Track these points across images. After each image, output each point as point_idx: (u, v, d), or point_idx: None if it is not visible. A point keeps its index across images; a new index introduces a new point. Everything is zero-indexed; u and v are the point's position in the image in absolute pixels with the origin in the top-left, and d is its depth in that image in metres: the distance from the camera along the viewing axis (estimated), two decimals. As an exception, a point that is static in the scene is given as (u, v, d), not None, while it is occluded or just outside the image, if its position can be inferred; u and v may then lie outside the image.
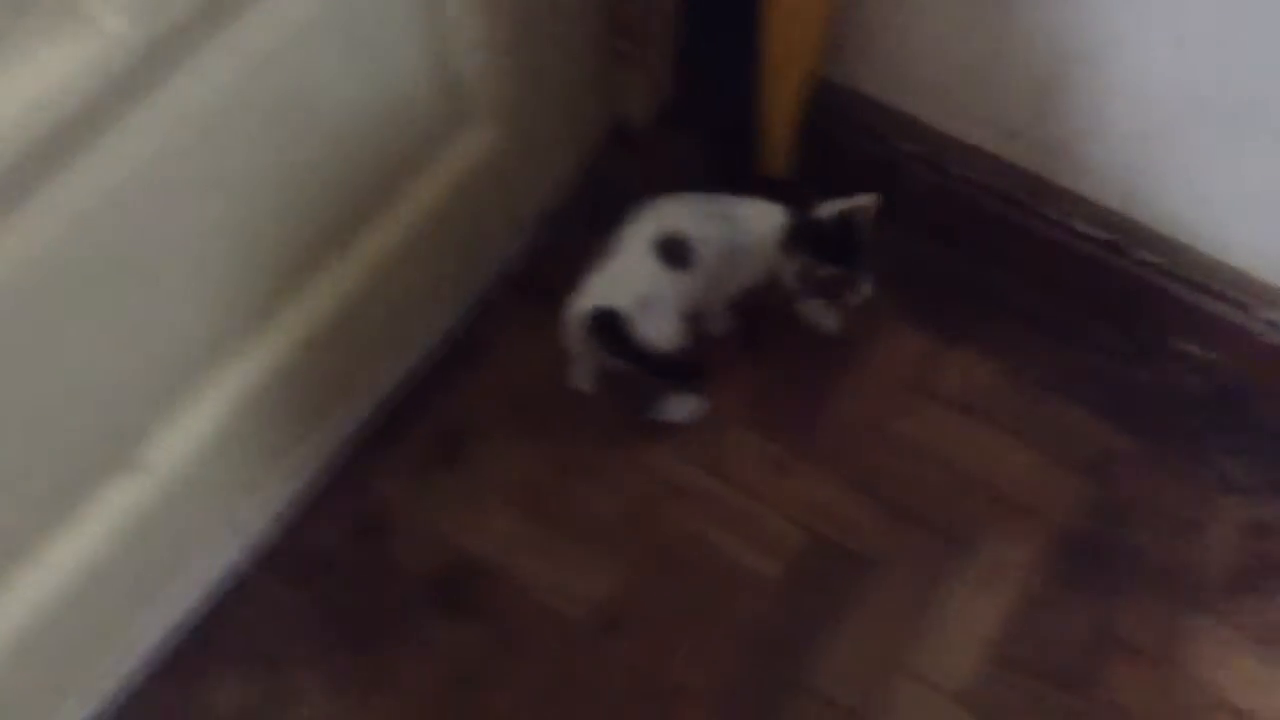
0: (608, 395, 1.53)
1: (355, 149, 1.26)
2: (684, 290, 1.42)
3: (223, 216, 1.15)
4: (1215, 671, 1.34)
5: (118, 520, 1.23)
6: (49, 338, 1.05)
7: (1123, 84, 1.32)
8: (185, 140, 1.05)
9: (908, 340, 1.56)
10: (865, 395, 1.52)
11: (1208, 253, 1.42)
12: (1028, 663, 1.36)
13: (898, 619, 1.39)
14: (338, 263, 1.33)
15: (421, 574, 1.44)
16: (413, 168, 1.37)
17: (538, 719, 1.35)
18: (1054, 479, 1.46)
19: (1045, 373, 1.53)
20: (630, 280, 1.40)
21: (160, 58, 0.99)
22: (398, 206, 1.37)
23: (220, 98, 1.06)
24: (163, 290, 1.13)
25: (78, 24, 0.92)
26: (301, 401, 1.41)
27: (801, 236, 1.43)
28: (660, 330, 1.41)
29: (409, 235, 1.38)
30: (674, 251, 1.40)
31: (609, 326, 1.39)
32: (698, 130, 1.69)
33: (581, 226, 1.65)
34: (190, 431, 1.27)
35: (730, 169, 1.64)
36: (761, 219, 1.46)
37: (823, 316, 1.54)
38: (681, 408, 1.50)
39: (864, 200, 1.40)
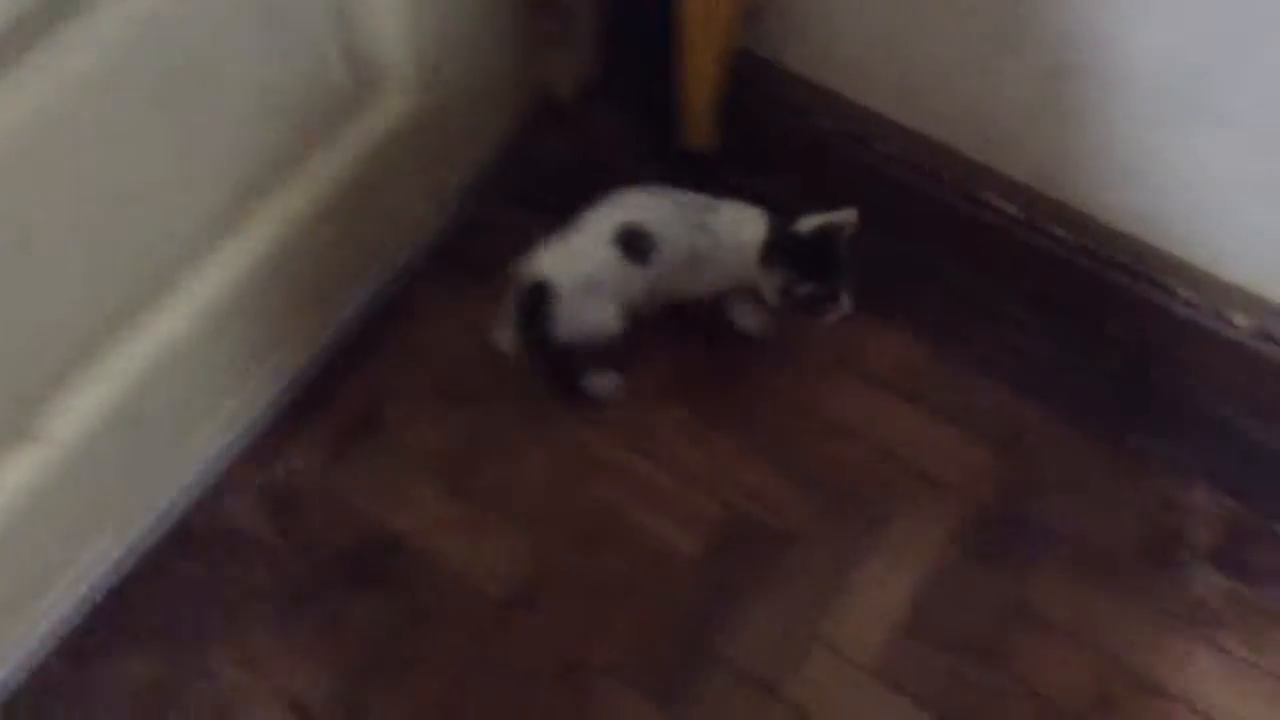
0: (529, 370, 1.52)
1: (259, 114, 1.25)
2: (634, 282, 1.41)
3: (118, 182, 1.12)
4: (1124, 644, 1.36)
5: (15, 494, 1.20)
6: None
7: (1039, 58, 1.33)
8: (70, 102, 1.03)
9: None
10: (787, 372, 1.52)
11: (1124, 230, 1.43)
12: (940, 635, 1.36)
13: (814, 593, 1.39)
14: (246, 230, 1.31)
15: (336, 548, 1.42)
16: (324, 134, 1.35)
17: (453, 694, 1.34)
18: (971, 455, 1.47)
19: (966, 349, 1.53)
20: (581, 260, 1.39)
21: (45, 17, 0.96)
22: (309, 173, 1.35)
23: (108, 58, 1.03)
24: (56, 257, 1.11)
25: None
26: (212, 372, 1.39)
27: (780, 251, 1.40)
28: (597, 315, 1.40)
29: (321, 203, 1.37)
30: (633, 243, 1.39)
31: (535, 302, 1.38)
32: (624, 104, 1.68)
33: (508, 199, 1.65)
34: (93, 401, 1.24)
35: (655, 143, 1.64)
36: (739, 227, 1.42)
37: (748, 319, 1.53)
38: (602, 385, 1.50)
39: (844, 215, 1.37)
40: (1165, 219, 1.40)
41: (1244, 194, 1.31)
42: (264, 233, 1.34)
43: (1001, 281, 1.54)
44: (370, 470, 1.47)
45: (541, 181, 1.65)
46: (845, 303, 1.40)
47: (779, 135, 1.58)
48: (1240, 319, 1.41)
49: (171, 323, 1.29)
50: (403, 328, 1.55)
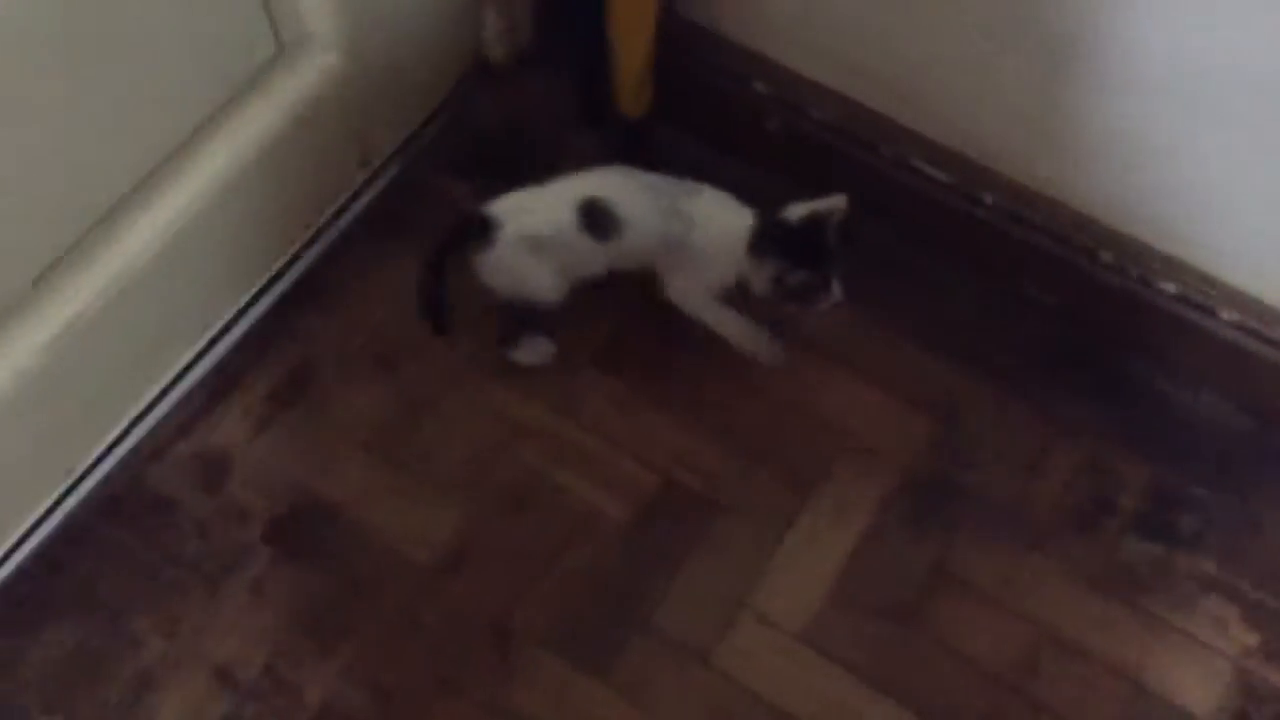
0: (458, 336, 1.51)
1: (175, 71, 1.22)
2: (586, 256, 1.39)
3: (24, 143, 1.10)
4: (1048, 608, 1.37)
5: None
6: None
7: (973, 23, 1.32)
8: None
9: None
10: (717, 338, 1.51)
11: (1055, 197, 1.44)
12: (868, 601, 1.37)
13: (743, 560, 1.39)
14: (166, 192, 1.29)
15: (264, 517, 1.41)
16: (247, 93, 1.33)
17: (382, 663, 1.34)
18: (901, 421, 1.47)
19: (899, 317, 1.53)
20: (535, 216, 1.38)
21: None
22: (232, 133, 1.33)
23: (12, 5, 1.01)
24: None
25: None
26: (135, 339, 1.38)
27: (770, 240, 1.36)
28: (535, 277, 1.40)
29: (244, 164, 1.35)
30: (595, 218, 1.37)
31: (469, 230, 1.37)
32: (558, 69, 1.66)
33: (441, 164, 1.63)
34: (13, 367, 1.23)
35: (590, 108, 1.63)
36: (720, 214, 1.39)
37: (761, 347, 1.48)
38: (532, 351, 1.49)
39: (834, 201, 1.35)
40: (1092, 185, 1.40)
41: (1165, 158, 1.31)
42: (185, 194, 1.32)
43: (934, 249, 1.54)
44: (299, 437, 1.46)
45: (474, 146, 1.63)
46: (836, 290, 1.38)
47: (714, 101, 1.57)
48: (1167, 286, 1.41)
49: (91, 288, 1.27)
50: (331, 293, 1.54)
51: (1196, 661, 1.35)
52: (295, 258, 1.53)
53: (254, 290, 1.50)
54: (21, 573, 1.38)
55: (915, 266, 1.55)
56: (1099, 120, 1.33)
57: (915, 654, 1.35)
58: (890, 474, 1.44)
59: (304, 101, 1.38)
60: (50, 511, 1.39)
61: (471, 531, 1.41)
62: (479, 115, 1.67)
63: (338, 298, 1.54)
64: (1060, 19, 1.26)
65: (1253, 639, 1.36)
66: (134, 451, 1.44)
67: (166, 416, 1.46)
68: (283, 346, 1.50)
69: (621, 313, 1.52)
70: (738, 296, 1.44)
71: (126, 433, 1.43)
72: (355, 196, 1.58)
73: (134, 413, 1.43)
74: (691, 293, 1.44)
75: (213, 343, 1.48)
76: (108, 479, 1.42)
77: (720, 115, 1.58)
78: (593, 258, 1.40)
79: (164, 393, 1.45)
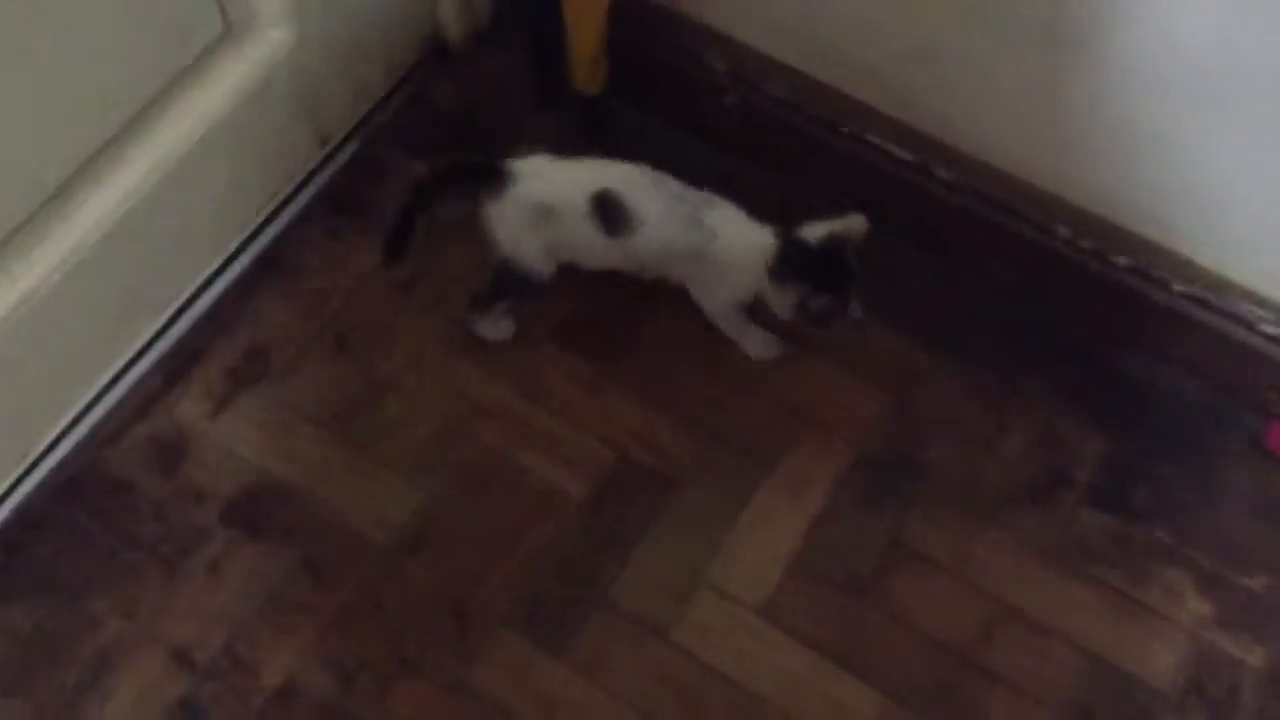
0: (416, 316, 1.51)
1: (117, 48, 1.21)
2: (586, 243, 1.39)
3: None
4: (1002, 580, 1.38)
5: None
6: None
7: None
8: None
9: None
10: (677, 317, 1.51)
11: (1012, 173, 1.44)
12: (825, 574, 1.38)
13: (701, 536, 1.40)
14: (118, 172, 1.28)
15: (222, 498, 1.41)
16: (195, 70, 1.31)
17: (341, 643, 1.34)
18: (858, 397, 1.48)
19: (857, 294, 1.53)
20: (551, 188, 1.37)
21: None
22: (179, 112, 1.32)
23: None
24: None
25: None
26: (90, 321, 1.37)
27: (791, 263, 1.36)
28: (530, 248, 1.40)
29: (194, 142, 1.34)
30: (604, 212, 1.37)
31: (479, 173, 1.38)
32: (515, 48, 1.66)
33: (397, 143, 1.63)
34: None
35: (546, 87, 1.62)
36: (742, 233, 1.38)
37: (760, 348, 1.49)
38: (494, 326, 1.49)
39: (852, 221, 1.35)
40: (1047, 160, 1.41)
41: (1120, 132, 1.32)
42: (136, 173, 1.30)
43: (891, 225, 1.54)
44: (257, 418, 1.45)
45: (430, 125, 1.63)
46: (855, 309, 1.39)
47: (670, 78, 1.57)
48: (1121, 259, 1.42)
49: (44, 267, 1.26)
50: (288, 273, 1.53)
51: (1151, 632, 1.36)
52: (252, 237, 1.53)
53: (211, 270, 1.50)
54: (-24, 555, 1.37)
55: (875, 243, 1.55)
56: (1054, 95, 1.33)
57: (872, 627, 1.36)
58: (847, 450, 1.45)
59: (253, 80, 1.37)
60: (7, 495, 1.38)
61: (432, 511, 1.41)
62: (436, 95, 1.66)
63: (296, 277, 1.53)
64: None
65: (1207, 609, 1.37)
66: (91, 434, 1.43)
67: (123, 398, 1.45)
68: (240, 327, 1.50)
69: (583, 291, 1.51)
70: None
71: (83, 415, 1.43)
72: (312, 176, 1.57)
73: (90, 395, 1.43)
74: (711, 303, 1.46)
75: (169, 323, 1.48)
76: (65, 462, 1.42)
77: (677, 92, 1.58)
78: (595, 248, 1.40)
79: (120, 374, 1.45)
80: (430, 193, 1.42)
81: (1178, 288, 1.41)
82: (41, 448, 1.40)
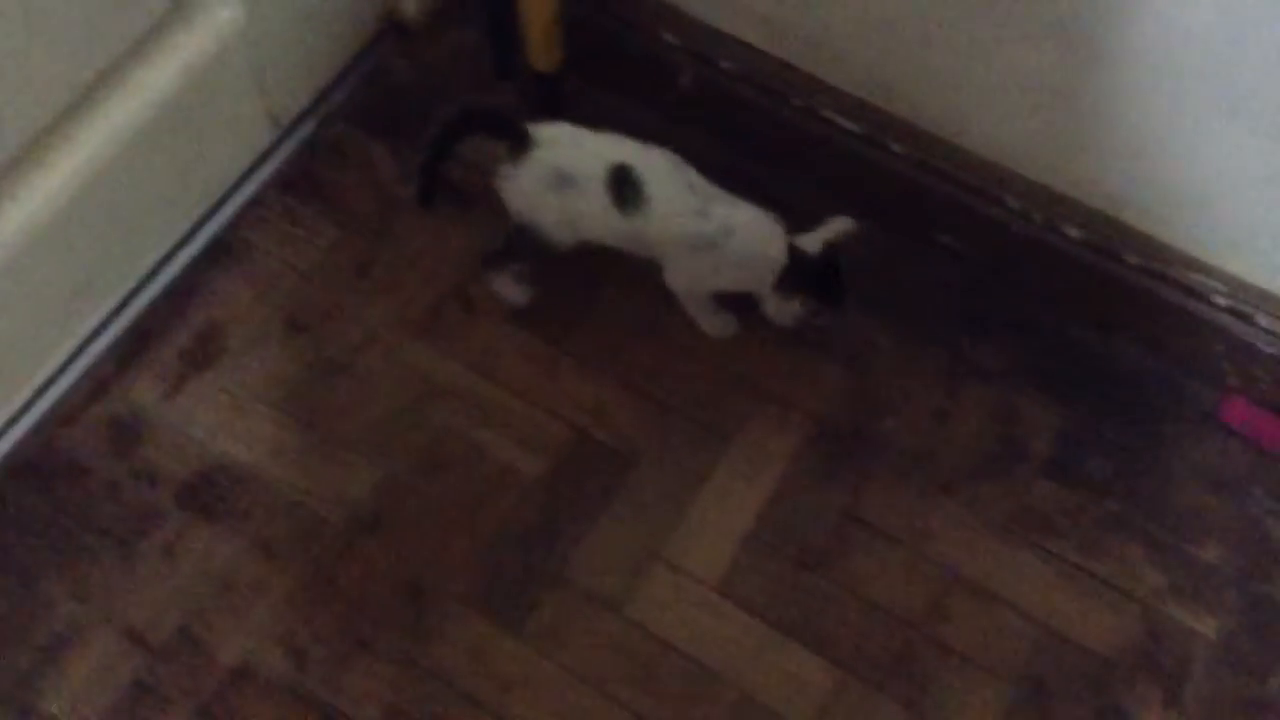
0: (371, 297, 1.51)
1: (60, 25, 1.20)
2: (598, 217, 1.38)
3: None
4: (960, 553, 1.38)
5: None
6: None
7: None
8: None
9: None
10: (632, 293, 1.51)
11: (960, 144, 1.44)
12: (780, 549, 1.38)
13: (658, 512, 1.40)
14: (62, 152, 1.27)
15: (176, 479, 1.41)
16: (143, 47, 1.30)
17: (296, 623, 1.34)
18: (813, 371, 1.48)
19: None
20: (572, 156, 1.37)
21: None
22: (126, 92, 1.31)
23: None
24: None
25: None
26: (41, 302, 1.36)
27: (795, 276, 1.38)
28: (548, 215, 1.39)
29: (142, 123, 1.33)
30: (619, 187, 1.36)
31: (505, 131, 1.38)
32: (471, 25, 1.65)
33: (352, 122, 1.62)
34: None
35: (503, 64, 1.62)
36: (762, 237, 1.38)
37: (786, 318, 1.47)
38: (511, 289, 1.49)
39: (840, 224, 1.38)
40: (998, 132, 1.41)
41: (1068, 101, 1.32)
42: (83, 154, 1.30)
43: (842, 198, 1.54)
44: (211, 400, 1.45)
45: (386, 104, 1.62)
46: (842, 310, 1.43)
47: (625, 54, 1.56)
48: (1072, 230, 1.42)
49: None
50: (243, 253, 1.53)
51: (1104, 603, 1.37)
52: (206, 218, 1.52)
53: (164, 252, 1.49)
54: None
55: (825, 215, 1.55)
56: (1001, 66, 1.34)
57: (827, 600, 1.36)
58: (803, 424, 1.45)
59: (203, 58, 1.36)
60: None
61: (388, 491, 1.41)
62: (393, 73, 1.65)
63: (250, 259, 1.53)
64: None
65: (1160, 579, 1.38)
66: (45, 416, 1.43)
67: (77, 381, 1.45)
68: (195, 309, 1.49)
69: (534, 269, 1.51)
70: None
71: (37, 398, 1.42)
72: (266, 156, 1.56)
73: (44, 377, 1.42)
74: (692, 286, 1.45)
75: (123, 305, 1.47)
76: (19, 444, 1.41)
77: (632, 68, 1.57)
78: (603, 223, 1.38)
79: (74, 357, 1.44)
80: (451, 139, 1.43)
81: (1131, 260, 1.41)
82: (6, 433, 1.39)
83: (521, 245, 1.44)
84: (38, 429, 1.42)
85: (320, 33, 1.56)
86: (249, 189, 1.55)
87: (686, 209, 1.37)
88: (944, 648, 1.34)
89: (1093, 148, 1.35)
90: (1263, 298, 1.38)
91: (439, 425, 1.44)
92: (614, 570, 1.37)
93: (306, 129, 1.59)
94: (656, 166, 1.37)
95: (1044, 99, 1.33)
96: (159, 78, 1.34)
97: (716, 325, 1.49)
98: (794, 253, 1.38)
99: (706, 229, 1.38)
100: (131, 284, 1.47)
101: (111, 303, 1.46)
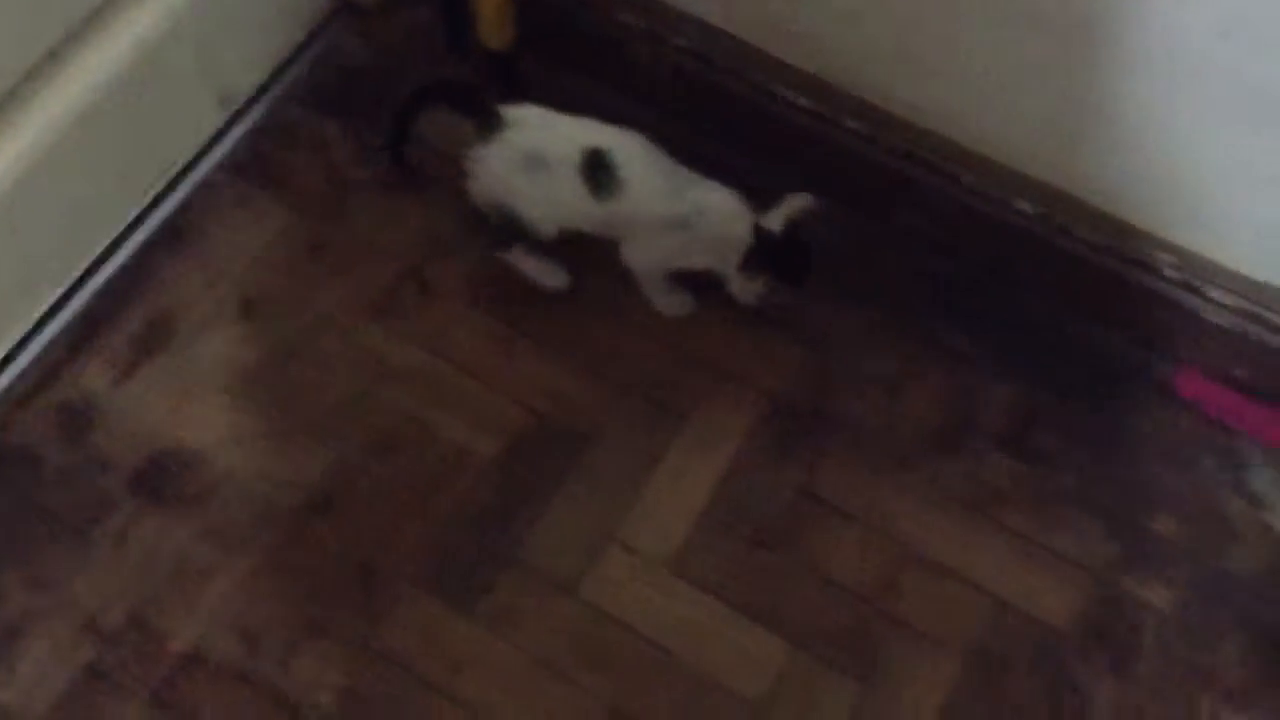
0: (325, 279, 1.50)
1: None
2: (570, 202, 1.37)
3: None
4: (914, 528, 1.38)
5: None
6: None
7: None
8: None
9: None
10: (591, 273, 1.50)
11: (918, 124, 1.44)
12: (736, 527, 1.38)
13: (613, 492, 1.40)
14: (3, 135, 1.26)
15: (128, 466, 1.40)
16: (82, 29, 1.29)
17: (248, 606, 1.34)
18: (769, 349, 1.48)
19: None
20: (543, 138, 1.36)
21: None
22: (70, 73, 1.29)
23: None
24: None
25: None
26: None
27: (759, 256, 1.37)
28: (521, 200, 1.38)
29: (86, 105, 1.31)
30: (592, 170, 1.35)
31: (477, 109, 1.37)
32: (425, 4, 1.64)
33: (305, 103, 1.61)
34: None
35: (456, 43, 1.61)
36: (731, 218, 1.37)
37: (749, 295, 1.47)
38: (539, 270, 1.48)
39: (800, 201, 1.36)
40: (953, 110, 1.40)
41: (1030, 79, 1.31)
42: (27, 137, 1.29)
43: (801, 177, 1.53)
44: (163, 385, 1.44)
45: (339, 84, 1.61)
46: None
47: (577, 31, 1.55)
48: (1027, 207, 1.42)
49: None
50: (194, 237, 1.51)
51: (1058, 575, 1.37)
52: (156, 202, 1.51)
53: (113, 236, 1.48)
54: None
55: (785, 195, 1.55)
56: (964, 43, 1.33)
57: (782, 578, 1.36)
58: (759, 402, 1.45)
59: (148, 38, 1.35)
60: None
61: (341, 474, 1.40)
62: (346, 52, 1.64)
63: (202, 243, 1.51)
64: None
65: (1113, 551, 1.38)
66: (-6, 403, 1.42)
67: (26, 368, 1.44)
68: (145, 293, 1.48)
69: (489, 250, 1.50)
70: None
71: (-14, 384, 1.42)
72: (217, 139, 1.55)
73: (-6, 364, 1.41)
74: (654, 265, 1.45)
75: (72, 291, 1.46)
76: (-32, 433, 1.41)
77: (585, 45, 1.56)
78: (578, 208, 1.37)
79: (23, 343, 1.43)
80: (427, 100, 1.43)
81: (1081, 234, 1.41)
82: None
83: (506, 229, 1.43)
84: (-12, 418, 1.42)
85: (272, 11, 1.54)
86: (200, 171, 1.54)
87: (661, 191, 1.37)
88: (898, 622, 1.34)
89: (1048, 125, 1.35)
90: (1213, 269, 1.38)
91: (393, 407, 1.44)
92: (568, 551, 1.37)
93: (258, 111, 1.58)
94: (630, 149, 1.36)
95: (1003, 78, 1.33)
96: (107, 58, 1.33)
97: (673, 304, 1.49)
98: (759, 231, 1.37)
99: (680, 210, 1.37)
100: (81, 269, 1.46)
101: (61, 289, 1.45)
